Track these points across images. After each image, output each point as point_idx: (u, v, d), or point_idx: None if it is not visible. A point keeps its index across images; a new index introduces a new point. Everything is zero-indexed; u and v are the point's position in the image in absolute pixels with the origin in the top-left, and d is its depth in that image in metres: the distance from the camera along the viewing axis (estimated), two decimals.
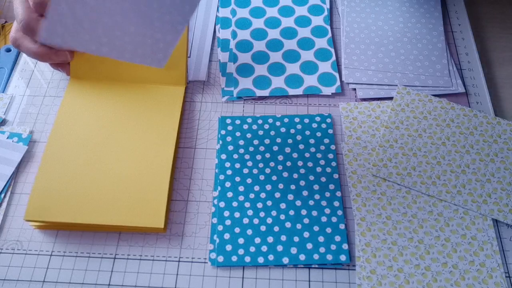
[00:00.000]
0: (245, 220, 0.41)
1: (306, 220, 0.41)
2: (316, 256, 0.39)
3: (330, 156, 0.45)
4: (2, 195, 0.43)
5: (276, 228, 0.41)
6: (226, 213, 0.41)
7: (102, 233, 0.41)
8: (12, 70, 0.52)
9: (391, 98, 0.49)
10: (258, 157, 0.45)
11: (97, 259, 0.40)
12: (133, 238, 0.41)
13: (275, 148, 0.45)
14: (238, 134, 0.46)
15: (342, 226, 0.41)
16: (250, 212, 0.41)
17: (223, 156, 0.44)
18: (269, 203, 0.42)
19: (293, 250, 0.40)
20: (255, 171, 0.44)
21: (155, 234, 0.41)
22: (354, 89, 0.50)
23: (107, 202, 0.41)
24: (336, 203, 0.42)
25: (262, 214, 0.41)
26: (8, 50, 0.53)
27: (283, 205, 0.42)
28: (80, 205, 0.40)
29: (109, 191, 0.41)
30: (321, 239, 0.40)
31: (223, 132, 0.46)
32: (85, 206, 0.40)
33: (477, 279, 0.38)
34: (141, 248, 0.40)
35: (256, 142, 0.46)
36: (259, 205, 0.42)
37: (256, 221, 0.41)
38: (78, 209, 0.40)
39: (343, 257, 0.39)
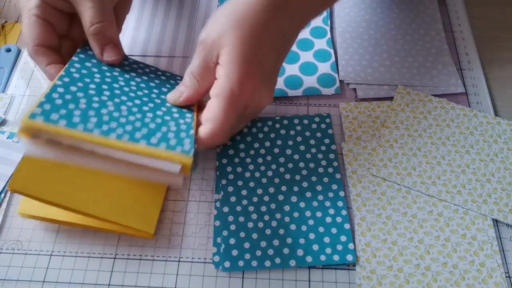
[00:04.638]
0: (250, 224, 0.41)
1: (311, 222, 0.41)
2: (322, 257, 0.39)
3: (331, 156, 0.45)
4: (2, 195, 0.43)
5: (281, 231, 0.40)
6: (230, 218, 0.41)
7: (102, 233, 0.41)
8: (12, 70, 0.52)
9: (391, 98, 0.49)
10: (260, 160, 0.44)
11: (97, 259, 0.40)
12: (133, 238, 0.41)
13: (276, 150, 0.45)
14: (238, 137, 0.46)
15: (347, 226, 0.41)
16: (254, 216, 0.41)
17: (224, 161, 0.44)
18: (273, 206, 0.42)
19: (300, 252, 0.39)
20: (257, 174, 0.44)
21: (155, 234, 0.41)
22: (354, 89, 0.50)
23: (100, 193, 0.39)
24: (340, 203, 0.42)
25: (266, 217, 0.41)
26: (8, 50, 0.53)
27: (287, 208, 0.42)
28: (71, 188, 0.38)
29: (104, 183, 0.40)
30: (326, 240, 0.40)
31: None
32: (77, 191, 0.38)
33: (477, 279, 0.38)
34: (141, 248, 0.40)
35: (256, 145, 0.45)
36: (263, 208, 0.42)
37: (260, 224, 0.41)
38: (68, 191, 0.38)
39: (349, 257, 0.39)
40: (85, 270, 0.39)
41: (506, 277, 0.39)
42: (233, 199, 0.42)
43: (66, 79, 0.38)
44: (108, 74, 0.41)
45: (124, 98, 0.39)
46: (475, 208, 0.42)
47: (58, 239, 0.41)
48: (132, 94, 0.40)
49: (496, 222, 0.41)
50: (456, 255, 0.39)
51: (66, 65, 0.40)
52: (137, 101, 0.40)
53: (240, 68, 0.38)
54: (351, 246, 0.40)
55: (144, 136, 0.36)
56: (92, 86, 0.39)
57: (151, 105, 0.40)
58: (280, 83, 0.50)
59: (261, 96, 0.41)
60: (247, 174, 0.44)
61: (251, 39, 0.39)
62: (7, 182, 0.43)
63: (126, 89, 0.41)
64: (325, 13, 0.56)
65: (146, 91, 0.42)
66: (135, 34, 0.55)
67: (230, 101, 0.39)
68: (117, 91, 0.39)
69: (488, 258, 0.39)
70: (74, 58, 0.41)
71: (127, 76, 0.42)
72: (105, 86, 0.39)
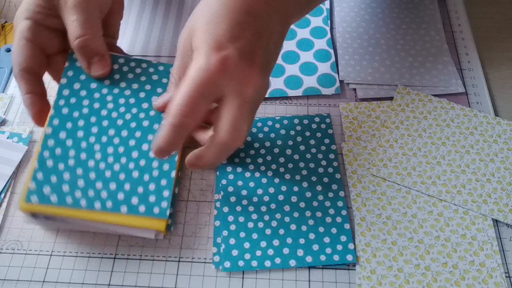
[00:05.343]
0: (250, 224, 0.41)
1: (311, 222, 0.41)
2: (322, 257, 0.39)
3: (331, 156, 0.45)
4: (2, 195, 0.43)
5: (281, 231, 0.40)
6: (230, 218, 0.41)
7: (102, 233, 0.41)
8: (12, 70, 0.52)
9: (391, 98, 0.49)
10: (260, 160, 0.44)
11: (97, 259, 0.40)
12: (133, 238, 0.41)
13: (276, 150, 0.45)
14: None
15: (347, 226, 0.41)
16: (254, 216, 0.41)
17: (224, 161, 0.44)
18: (273, 206, 0.42)
19: (300, 252, 0.39)
20: (257, 174, 0.44)
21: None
22: (354, 89, 0.50)
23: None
24: (340, 203, 0.42)
25: (266, 217, 0.41)
26: (8, 50, 0.53)
27: (287, 207, 0.42)
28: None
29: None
30: (326, 240, 0.40)
31: None
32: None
33: (477, 279, 0.38)
34: (141, 248, 0.40)
35: (256, 145, 0.45)
36: (263, 208, 0.42)
37: (261, 224, 0.41)
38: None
39: (349, 257, 0.39)
40: (85, 270, 0.39)
41: (506, 277, 0.39)
42: (233, 199, 0.42)
43: (56, 122, 0.40)
44: (97, 95, 0.42)
45: (111, 132, 0.41)
46: (475, 208, 0.42)
47: (58, 239, 0.41)
48: (120, 122, 0.41)
49: (496, 222, 0.41)
50: (456, 255, 0.39)
51: (56, 95, 0.41)
52: (124, 133, 0.41)
53: (206, 44, 0.35)
54: (351, 246, 0.40)
55: (125, 197, 0.38)
56: (81, 123, 0.41)
57: (138, 134, 0.41)
58: (280, 83, 0.50)
59: (241, 74, 0.36)
60: (247, 174, 0.44)
61: (219, 19, 0.36)
62: (7, 182, 0.43)
63: (115, 114, 0.42)
64: (325, 13, 0.56)
65: (134, 111, 0.42)
66: (135, 34, 0.55)
67: (196, 80, 0.35)
68: (105, 122, 0.41)
69: (488, 258, 0.39)
70: (63, 81, 0.42)
71: (116, 91, 0.43)
72: (93, 119, 0.41)
